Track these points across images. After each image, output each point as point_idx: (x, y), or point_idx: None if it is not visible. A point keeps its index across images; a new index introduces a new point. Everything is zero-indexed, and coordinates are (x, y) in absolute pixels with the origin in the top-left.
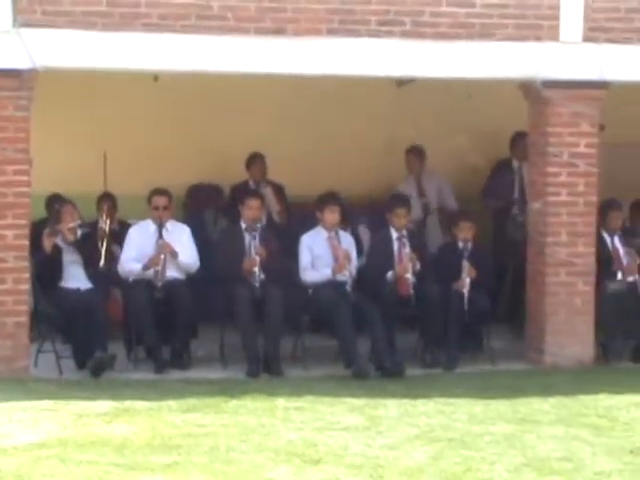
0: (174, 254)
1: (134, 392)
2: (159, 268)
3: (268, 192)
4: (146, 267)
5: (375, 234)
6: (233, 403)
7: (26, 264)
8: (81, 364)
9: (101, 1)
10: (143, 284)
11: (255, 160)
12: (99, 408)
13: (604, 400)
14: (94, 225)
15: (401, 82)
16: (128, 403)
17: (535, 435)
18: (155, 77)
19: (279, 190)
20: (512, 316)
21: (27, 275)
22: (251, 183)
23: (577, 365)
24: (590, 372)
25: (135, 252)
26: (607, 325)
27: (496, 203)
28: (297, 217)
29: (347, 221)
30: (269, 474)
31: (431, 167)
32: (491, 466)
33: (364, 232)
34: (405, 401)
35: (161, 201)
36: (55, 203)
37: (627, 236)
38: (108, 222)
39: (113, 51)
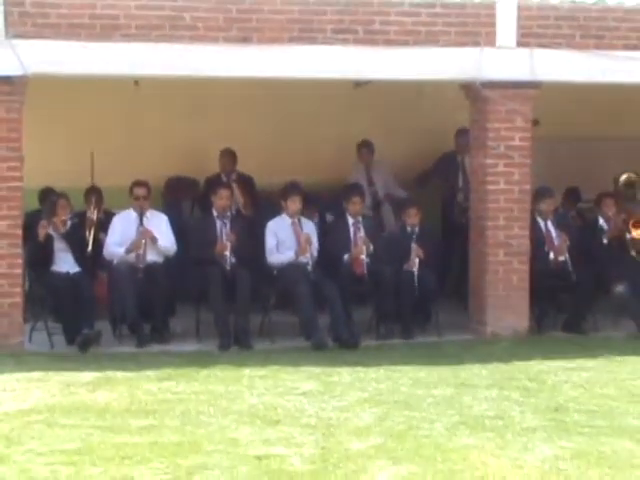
0: (154, 239)
1: (116, 364)
2: (140, 252)
3: (234, 187)
4: (128, 251)
5: (332, 221)
6: (204, 373)
7: (19, 250)
8: (70, 340)
9: (84, 14)
10: (126, 266)
11: (226, 155)
12: (84, 378)
13: (535, 365)
14: (83, 215)
15: (358, 83)
16: (110, 373)
17: (472, 397)
18: (135, 82)
19: (248, 181)
20: (458, 292)
21: (20, 260)
22: (222, 176)
23: (513, 335)
24: (525, 341)
25: (119, 238)
26: (540, 299)
27: (443, 192)
28: (265, 205)
29: (315, 208)
30: (233, 434)
31: (378, 159)
32: (431, 425)
33: (330, 219)
34: (358, 369)
35: (141, 192)
36: (48, 196)
37: (559, 220)
38: (95, 212)
39: (96, 59)
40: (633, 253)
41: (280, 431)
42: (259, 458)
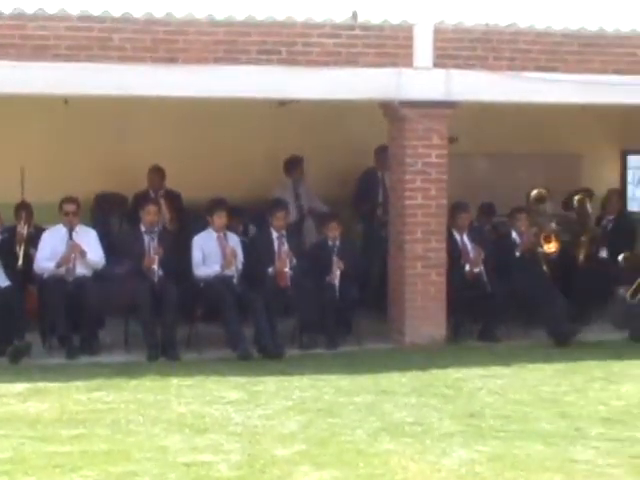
0: (83, 253)
1: (47, 375)
2: (70, 266)
3: (162, 203)
4: (59, 265)
5: (257, 235)
6: (133, 383)
7: None
8: (1, 352)
9: (14, 34)
10: (56, 280)
11: (154, 172)
12: (15, 389)
13: (452, 373)
14: (13, 230)
15: (282, 102)
16: (41, 384)
17: (392, 404)
18: (65, 100)
19: (176, 197)
20: (377, 303)
21: None
22: (151, 192)
23: (431, 344)
24: (442, 350)
25: (49, 252)
26: (457, 309)
27: (363, 208)
28: (193, 220)
29: (239, 220)
30: (162, 442)
31: (303, 175)
32: (353, 431)
33: (253, 230)
34: (282, 378)
35: (71, 207)
36: None
37: (474, 233)
38: (26, 227)
39: (27, 78)
40: (544, 267)
41: (208, 439)
42: (188, 465)
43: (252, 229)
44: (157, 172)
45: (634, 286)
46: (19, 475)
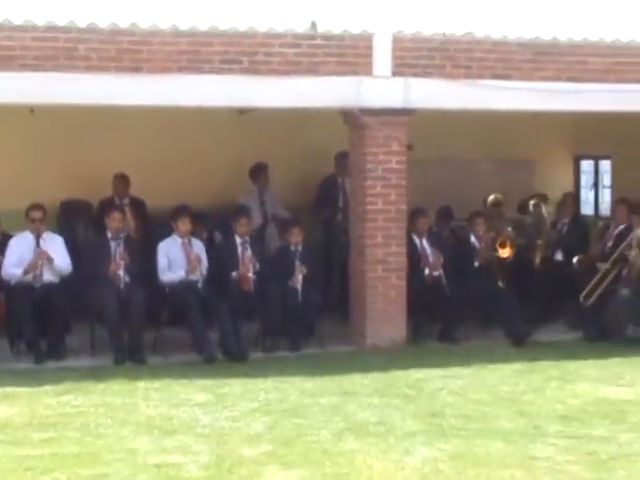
0: (50, 260)
1: (15, 380)
2: (37, 272)
3: (127, 211)
4: (26, 271)
5: (222, 241)
6: (101, 386)
7: None
8: None
9: None
10: (23, 287)
11: (118, 179)
12: None
13: (413, 374)
14: None
15: (242, 110)
16: (9, 389)
17: (356, 405)
18: (31, 109)
19: (140, 205)
20: (339, 306)
21: None
22: (116, 199)
23: (392, 346)
24: (403, 351)
25: (16, 259)
26: (417, 312)
27: (324, 213)
28: (157, 226)
29: (204, 227)
30: (132, 444)
31: (268, 182)
32: (318, 431)
33: (219, 237)
34: (247, 380)
35: (37, 214)
36: None
37: (433, 238)
38: None
39: None
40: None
41: (176, 440)
42: (157, 466)
43: (217, 236)
44: (122, 179)
45: (587, 288)
46: None
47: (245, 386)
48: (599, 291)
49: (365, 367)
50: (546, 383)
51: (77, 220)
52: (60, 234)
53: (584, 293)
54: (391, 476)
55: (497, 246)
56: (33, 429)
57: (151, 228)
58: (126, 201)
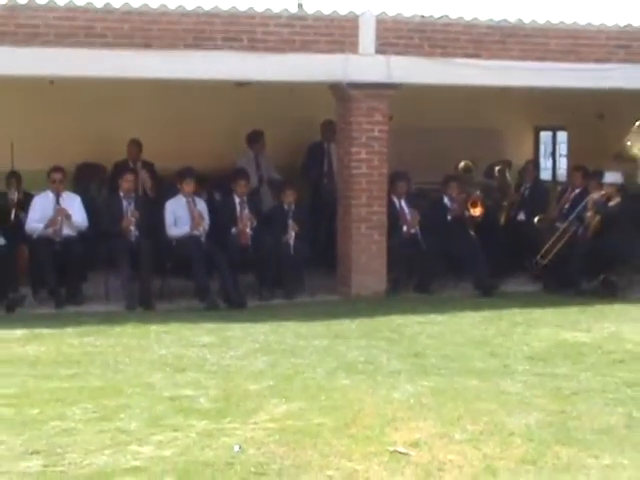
0: (68, 217)
1: (41, 322)
2: (57, 227)
3: (143, 174)
4: (47, 226)
5: (221, 200)
6: (117, 329)
7: None
8: None
9: (9, 23)
10: (45, 240)
11: (133, 144)
12: (15, 335)
13: (395, 320)
14: (4, 196)
15: (240, 84)
16: (37, 331)
17: (345, 346)
18: (51, 81)
19: (150, 167)
20: (326, 260)
21: None
22: (130, 162)
23: (374, 295)
24: (383, 300)
25: (38, 215)
26: (396, 265)
27: (311, 176)
28: (167, 187)
29: (203, 187)
30: (148, 380)
31: (264, 147)
32: (314, 369)
33: (217, 196)
34: (247, 325)
35: (58, 176)
36: None
37: (411, 199)
38: (16, 194)
39: (19, 62)
40: (471, 230)
41: (187, 376)
42: (172, 399)
43: (217, 196)
44: (135, 144)
45: (544, 249)
46: (26, 408)
47: (246, 330)
48: (556, 249)
49: (351, 314)
50: (513, 328)
51: (91, 181)
52: (77, 193)
53: (540, 254)
54: (380, 408)
55: (469, 205)
56: (60, 365)
57: (161, 188)
58: (139, 164)
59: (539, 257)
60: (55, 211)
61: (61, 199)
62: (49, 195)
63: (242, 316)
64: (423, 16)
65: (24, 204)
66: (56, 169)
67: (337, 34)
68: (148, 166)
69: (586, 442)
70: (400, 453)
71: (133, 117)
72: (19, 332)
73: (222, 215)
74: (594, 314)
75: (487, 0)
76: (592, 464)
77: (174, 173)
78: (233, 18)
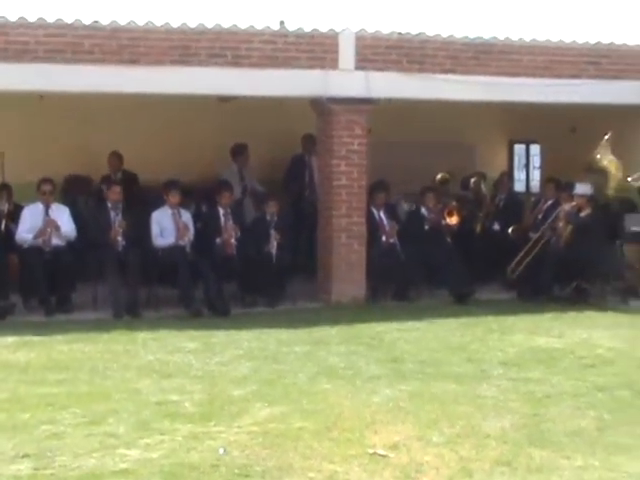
0: (57, 227)
1: (31, 330)
2: (46, 237)
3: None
4: (36, 237)
5: (206, 211)
6: (105, 336)
7: None
8: None
9: (0, 40)
10: (35, 250)
11: (112, 156)
12: (6, 342)
13: (374, 327)
14: None
15: (224, 99)
16: (27, 338)
17: (326, 352)
18: (41, 96)
19: (133, 178)
20: (307, 269)
21: None
22: (111, 174)
23: (354, 303)
24: (363, 308)
25: (28, 226)
26: (375, 274)
27: (292, 188)
28: (153, 198)
29: (191, 198)
30: (135, 385)
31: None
32: (295, 374)
33: (204, 208)
34: (231, 331)
35: (47, 187)
36: None
37: (389, 210)
38: (6, 205)
39: (10, 77)
40: (448, 239)
41: (173, 382)
42: (159, 404)
43: (204, 208)
44: (116, 156)
45: (515, 261)
46: (17, 413)
47: (230, 336)
48: (530, 258)
49: (332, 321)
50: (488, 334)
51: (79, 193)
52: (64, 205)
53: (511, 266)
54: (360, 412)
55: (445, 215)
56: (50, 371)
57: (143, 199)
58: (119, 175)
59: (513, 265)
60: (44, 222)
61: (50, 210)
62: (39, 206)
63: (226, 323)
64: (401, 33)
65: (14, 215)
66: (45, 181)
67: (318, 50)
68: (130, 177)
69: (558, 444)
70: (379, 455)
71: (120, 131)
72: (10, 339)
73: (207, 226)
74: (566, 321)
75: (463, 18)
76: (564, 465)
77: (160, 185)
78: (218, 35)
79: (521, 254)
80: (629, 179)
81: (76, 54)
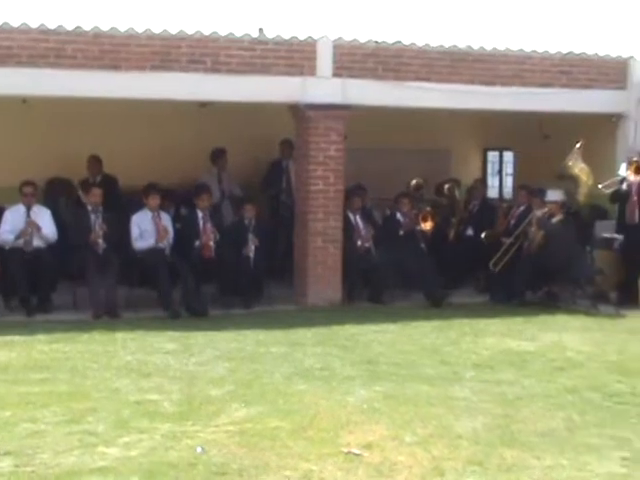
0: (38, 228)
1: (12, 330)
2: (28, 238)
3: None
4: (18, 237)
5: (186, 214)
6: (85, 336)
7: None
8: None
9: None
10: (16, 251)
11: (91, 160)
12: None
13: (349, 329)
14: None
15: (203, 104)
16: (8, 337)
17: (302, 353)
18: (23, 100)
19: (112, 181)
20: (283, 271)
21: None
22: (90, 177)
23: (329, 305)
24: (339, 310)
25: (9, 227)
26: (350, 277)
27: (270, 192)
28: (133, 201)
29: (171, 201)
30: (115, 385)
31: (227, 164)
32: (272, 375)
33: (184, 211)
34: (209, 332)
35: (29, 189)
36: None
37: (365, 214)
38: None
39: None
40: (422, 244)
41: (152, 382)
42: (138, 403)
43: (183, 211)
44: (95, 160)
45: (495, 258)
46: None
47: (208, 337)
48: (502, 262)
49: (308, 322)
50: (461, 337)
51: (60, 195)
52: (46, 207)
53: (493, 261)
54: (335, 412)
55: (420, 220)
56: (30, 371)
57: (122, 202)
58: (99, 178)
59: (491, 266)
60: (26, 223)
61: (32, 212)
62: (20, 208)
63: (204, 324)
64: (378, 42)
65: None
66: (27, 183)
67: (296, 58)
68: (110, 180)
69: (529, 444)
70: (354, 454)
71: (102, 135)
72: None
73: (186, 228)
74: (538, 324)
75: (438, 27)
76: (534, 465)
77: (140, 189)
78: (198, 42)
79: (494, 258)
80: (599, 186)
81: (59, 59)
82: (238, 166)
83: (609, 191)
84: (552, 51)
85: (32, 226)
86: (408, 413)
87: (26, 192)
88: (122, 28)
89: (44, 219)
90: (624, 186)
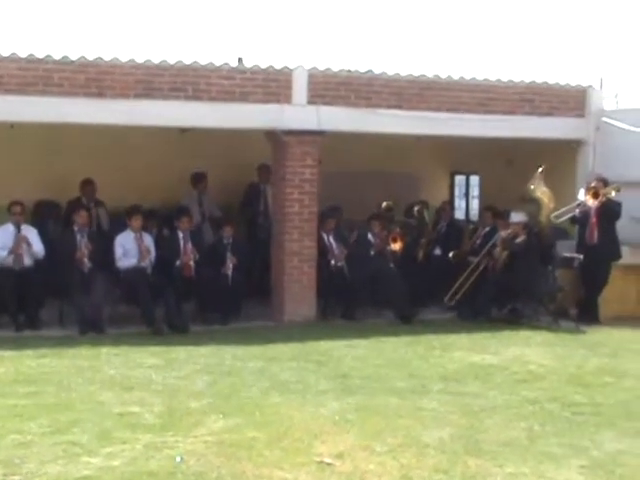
0: (29, 244)
1: (1, 345)
2: (20, 252)
3: (102, 211)
4: (10, 252)
5: (167, 235)
6: (71, 352)
7: None
8: None
9: None
10: (6, 270)
11: (88, 184)
12: None
13: (323, 344)
14: None
15: (184, 130)
16: None
17: (278, 368)
18: (11, 125)
19: (102, 205)
20: (262, 290)
21: None
22: (84, 200)
23: (305, 322)
24: (313, 326)
25: (0, 244)
26: (324, 295)
27: (247, 214)
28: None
29: (154, 222)
30: (99, 398)
31: (207, 187)
32: (249, 388)
33: (166, 232)
34: (190, 348)
35: (18, 209)
36: None
37: (338, 235)
38: None
39: None
40: (392, 263)
41: (134, 395)
42: (121, 415)
43: (165, 231)
44: (90, 184)
45: (451, 291)
46: None
47: (188, 352)
48: (469, 281)
49: (284, 338)
50: (429, 352)
51: (48, 217)
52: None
53: (448, 296)
54: (308, 423)
55: (390, 241)
56: (18, 384)
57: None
58: (93, 203)
59: (450, 294)
60: (16, 238)
61: (21, 229)
62: (9, 227)
63: (185, 340)
64: (350, 71)
65: None
66: (16, 203)
67: (273, 86)
68: (101, 204)
69: (492, 453)
70: (326, 463)
71: (86, 159)
72: None
73: (167, 248)
74: (502, 339)
75: (406, 57)
76: (497, 473)
77: (124, 210)
78: (179, 70)
79: (457, 283)
80: (553, 215)
81: (46, 86)
82: (218, 189)
83: (561, 220)
84: (516, 80)
85: (23, 240)
86: (378, 424)
87: (15, 211)
88: (107, 57)
89: (32, 237)
90: (577, 212)
